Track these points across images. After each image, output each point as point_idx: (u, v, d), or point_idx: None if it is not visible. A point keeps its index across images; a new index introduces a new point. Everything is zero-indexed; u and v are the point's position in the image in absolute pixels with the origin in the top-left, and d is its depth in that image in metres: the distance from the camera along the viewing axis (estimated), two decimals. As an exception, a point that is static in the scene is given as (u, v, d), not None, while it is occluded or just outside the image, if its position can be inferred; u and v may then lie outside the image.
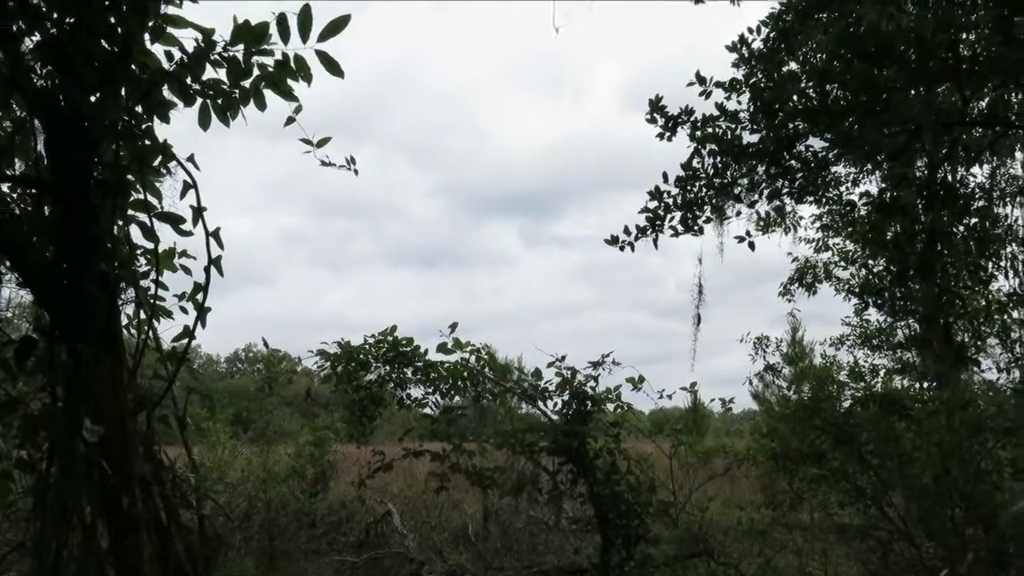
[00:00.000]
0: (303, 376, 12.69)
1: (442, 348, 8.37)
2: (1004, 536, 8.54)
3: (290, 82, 4.27)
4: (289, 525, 13.05)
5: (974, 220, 9.29)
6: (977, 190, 10.31)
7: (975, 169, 10.60)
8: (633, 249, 8.76)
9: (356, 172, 4.73)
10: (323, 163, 4.64)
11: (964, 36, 7.53)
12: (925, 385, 10.98)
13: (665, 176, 8.46)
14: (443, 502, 13.48)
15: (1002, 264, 9.60)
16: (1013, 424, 8.82)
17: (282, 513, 12.98)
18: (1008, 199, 10.30)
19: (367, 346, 8.49)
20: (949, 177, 9.82)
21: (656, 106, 8.55)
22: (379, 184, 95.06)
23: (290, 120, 4.39)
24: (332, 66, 4.08)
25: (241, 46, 4.17)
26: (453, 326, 8.37)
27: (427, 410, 8.98)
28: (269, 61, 4.21)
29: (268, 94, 4.35)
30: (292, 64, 4.14)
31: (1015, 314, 9.90)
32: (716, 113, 8.31)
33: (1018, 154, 10.89)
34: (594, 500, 7.92)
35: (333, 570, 11.44)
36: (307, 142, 4.53)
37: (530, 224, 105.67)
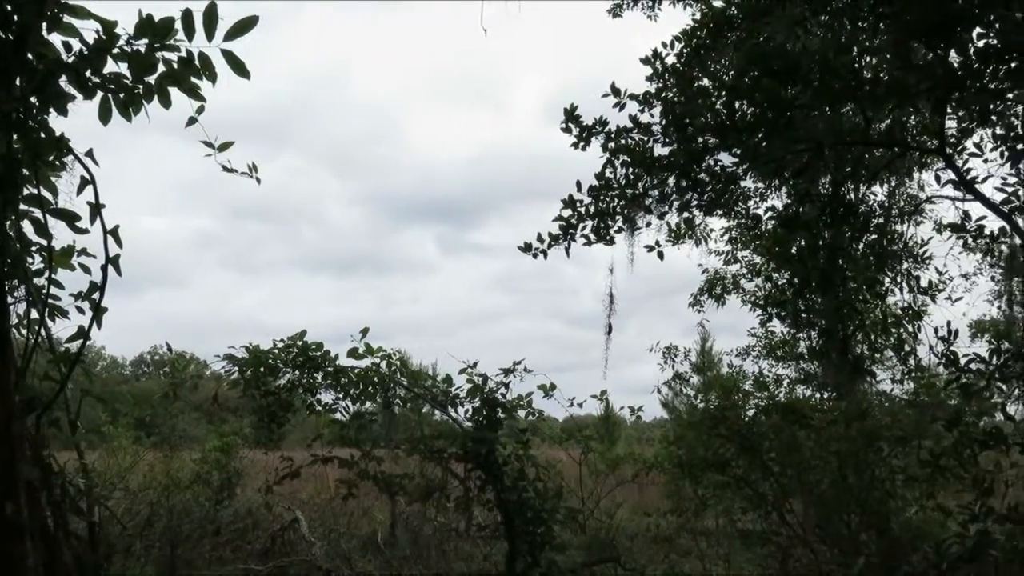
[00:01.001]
0: (211, 381, 12.42)
1: (353, 353, 8.29)
2: (896, 540, 8.86)
3: (197, 81, 4.18)
4: (192, 533, 12.72)
5: (873, 237, 9.62)
6: (877, 208, 10.72)
7: (876, 188, 11.04)
8: (546, 257, 8.80)
9: (259, 180, 4.65)
10: (224, 168, 4.55)
11: (866, 59, 7.82)
12: (825, 395, 11.35)
13: (578, 185, 8.53)
14: (352, 509, 13.33)
15: (898, 279, 9.98)
16: (906, 433, 9.18)
17: (185, 520, 12.64)
18: (905, 217, 10.76)
19: (276, 351, 8.35)
20: (851, 195, 10.17)
21: (571, 116, 8.63)
22: (298, 189, 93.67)
23: (192, 120, 4.29)
24: (238, 66, 4.01)
25: (145, 40, 4.06)
26: (364, 331, 8.30)
27: (337, 416, 8.88)
28: (175, 58, 4.12)
29: (177, 93, 4.25)
30: (197, 62, 4.05)
31: (909, 328, 10.29)
32: (630, 125, 8.44)
33: (916, 174, 11.40)
34: (501, 506, 7.94)
35: (237, 578, 11.21)
36: (209, 145, 4.43)
37: (450, 232, 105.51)
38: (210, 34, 3.87)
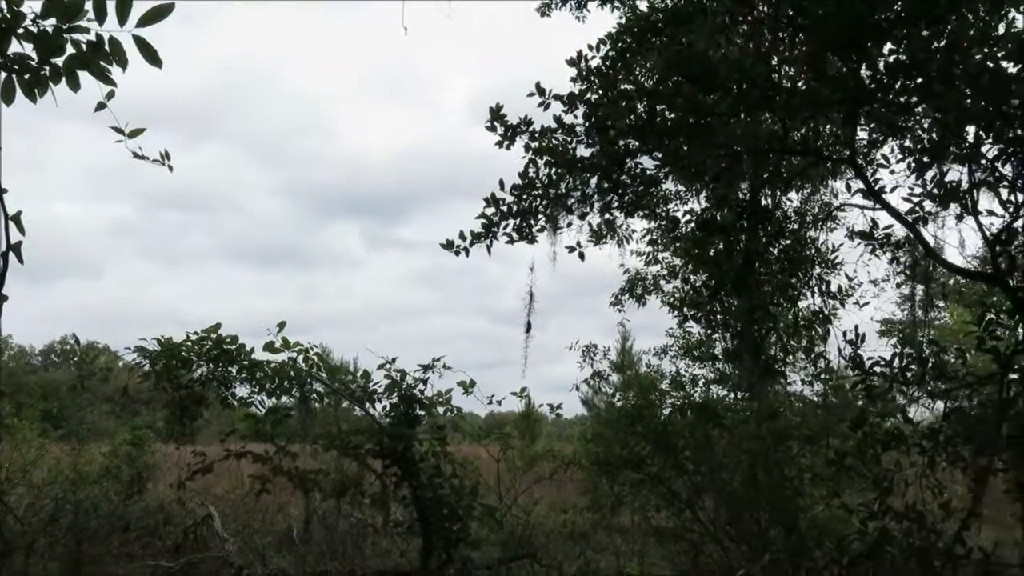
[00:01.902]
0: (122, 373, 12.09)
1: (269, 347, 8.18)
2: (802, 537, 9.13)
3: (108, 66, 4.06)
4: (100, 529, 12.36)
5: (787, 242, 9.90)
6: (791, 214, 11.03)
7: (791, 194, 11.36)
8: (468, 255, 8.80)
9: (171, 168, 4.54)
10: (135, 155, 4.43)
11: (784, 69, 8.03)
12: (738, 395, 11.63)
13: (501, 184, 8.56)
14: (268, 505, 13.13)
15: (810, 284, 10.30)
16: (814, 434, 9.47)
17: (93, 516, 12.27)
18: (818, 224, 11.09)
19: (189, 343, 8.18)
20: (767, 201, 10.45)
21: (496, 115, 8.65)
22: (222, 180, 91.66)
23: (101, 106, 4.17)
24: (150, 53, 3.90)
25: (52, 21, 3.93)
26: (281, 324, 8.20)
27: (252, 410, 8.74)
28: (84, 40, 3.99)
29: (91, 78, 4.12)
30: (107, 47, 3.93)
31: (819, 331, 10.63)
32: (554, 125, 8.49)
33: (830, 182, 11.76)
34: (417, 503, 7.93)
35: (146, 575, 10.94)
36: (118, 131, 4.31)
37: (375, 227, 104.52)
38: (122, 19, 3.76)
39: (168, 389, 8.25)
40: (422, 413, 8.25)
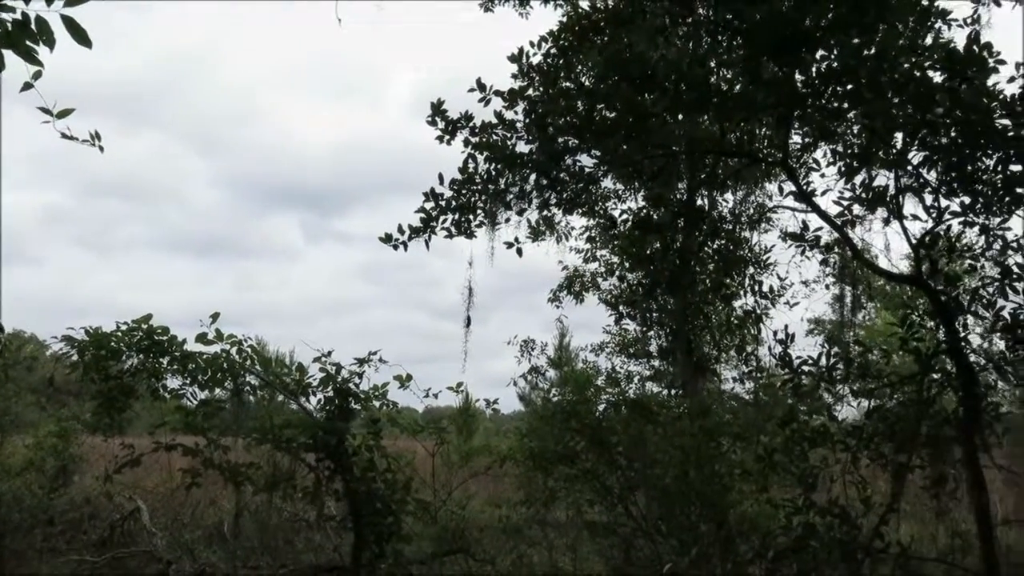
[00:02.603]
0: (49, 363, 11.79)
1: (201, 338, 8.04)
2: (731, 532, 9.31)
3: (35, 47, 3.95)
4: (23, 522, 12.05)
5: (722, 242, 10.07)
6: (727, 215, 11.23)
7: (727, 195, 11.55)
8: (406, 248, 8.78)
9: (101, 148, 4.46)
10: (63, 136, 4.34)
11: (721, 72, 8.16)
12: (672, 392, 11.81)
13: (441, 178, 8.56)
14: (199, 499, 12.94)
15: (743, 284, 10.49)
16: (744, 430, 9.66)
17: (15, 509, 11.96)
18: (752, 225, 11.31)
19: (119, 333, 8.00)
20: (703, 201, 10.62)
21: (437, 110, 8.63)
22: (161, 168, 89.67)
23: (27, 86, 4.07)
24: (79, 34, 3.82)
25: (-24, -1, 3.82)
26: (214, 316, 8.07)
27: (184, 402, 8.59)
28: (9, 19, 3.89)
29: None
30: (34, 26, 3.83)
31: (752, 330, 10.84)
32: (494, 121, 8.51)
33: (766, 184, 11.99)
34: (349, 497, 7.89)
35: (70, 571, 10.68)
36: (46, 111, 4.21)
37: (315, 219, 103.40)
38: (49, -1, 3.67)
39: (96, 380, 8.06)
40: (357, 407, 8.20)
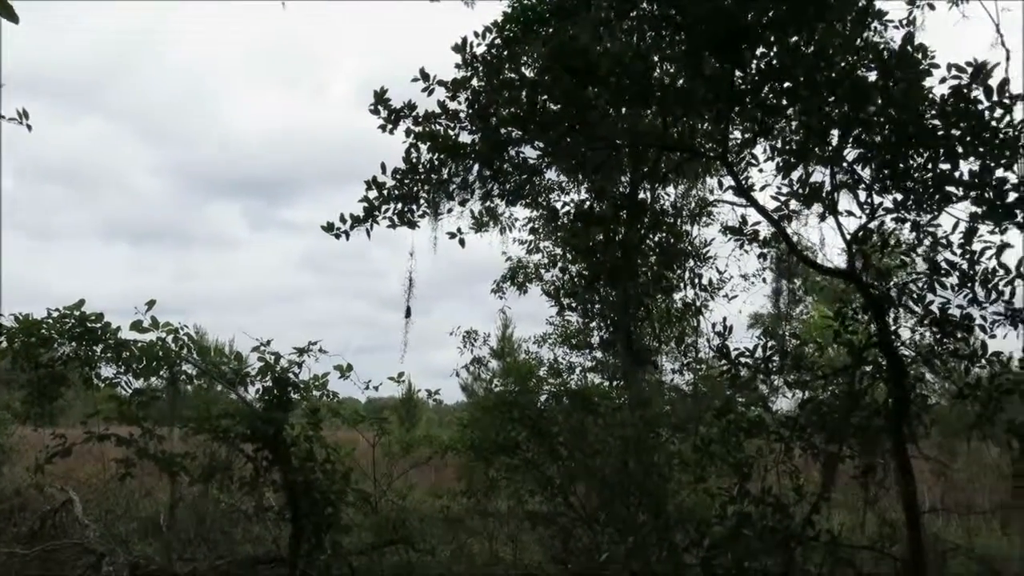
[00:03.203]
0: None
1: (136, 326, 7.88)
2: (669, 521, 9.43)
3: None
4: (-53, 514, 11.72)
5: (663, 235, 10.18)
6: (669, 208, 11.35)
7: (669, 188, 11.66)
8: (348, 238, 8.70)
9: (29, 127, 4.35)
10: (-8, 118, 4.22)
11: (664, 66, 8.23)
12: (613, 383, 11.91)
13: (383, 167, 8.50)
14: (134, 490, 12.68)
15: (684, 276, 10.62)
16: (682, 421, 9.80)
17: (-60, 501, 11.62)
18: (693, 218, 11.45)
19: (50, 320, 7.81)
20: (646, 194, 10.71)
21: (380, 99, 8.56)
22: (100, 154, 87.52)
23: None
24: (5, 9, 3.70)
25: None
26: (150, 303, 7.90)
27: (119, 391, 8.41)
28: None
29: None
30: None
31: (692, 322, 10.99)
32: (438, 111, 8.47)
33: (706, 179, 12.13)
34: (287, 488, 7.82)
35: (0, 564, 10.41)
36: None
37: (259, 208, 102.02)
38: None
39: (26, 368, 7.85)
40: (296, 397, 8.12)
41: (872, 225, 6.90)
